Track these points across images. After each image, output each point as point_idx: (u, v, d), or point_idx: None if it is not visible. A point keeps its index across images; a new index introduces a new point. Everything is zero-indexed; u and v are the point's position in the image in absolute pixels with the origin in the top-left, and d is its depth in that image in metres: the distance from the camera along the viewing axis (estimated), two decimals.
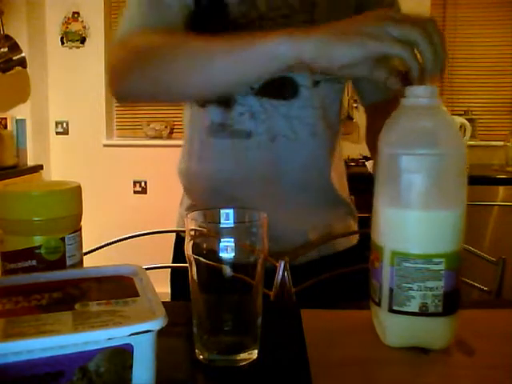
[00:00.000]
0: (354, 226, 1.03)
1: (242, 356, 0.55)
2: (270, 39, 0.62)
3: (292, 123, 0.89)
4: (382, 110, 0.87)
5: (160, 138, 3.32)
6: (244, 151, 0.90)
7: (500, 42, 3.12)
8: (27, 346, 0.38)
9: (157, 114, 3.36)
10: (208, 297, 0.55)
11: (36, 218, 0.57)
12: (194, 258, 0.54)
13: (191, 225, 0.54)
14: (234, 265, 0.53)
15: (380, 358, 0.56)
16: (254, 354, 0.55)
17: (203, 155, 0.94)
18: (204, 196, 0.96)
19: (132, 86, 0.76)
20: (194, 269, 0.54)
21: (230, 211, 0.58)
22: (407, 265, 0.55)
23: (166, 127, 3.32)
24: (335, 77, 0.90)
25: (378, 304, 0.58)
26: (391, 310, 0.57)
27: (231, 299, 0.55)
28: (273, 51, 0.62)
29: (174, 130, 3.37)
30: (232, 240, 0.52)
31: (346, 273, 0.94)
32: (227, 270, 0.53)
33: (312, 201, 0.95)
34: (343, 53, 0.59)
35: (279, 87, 0.87)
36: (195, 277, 0.55)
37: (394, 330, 0.58)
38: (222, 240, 0.52)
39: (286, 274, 0.88)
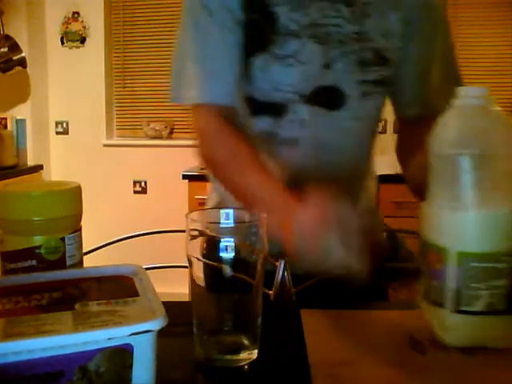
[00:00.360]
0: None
1: (242, 356, 0.55)
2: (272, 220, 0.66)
3: (338, 133, 0.89)
4: (418, 124, 0.90)
5: (160, 138, 3.32)
6: (290, 159, 0.89)
7: (500, 42, 3.11)
8: (27, 345, 0.38)
9: (157, 114, 3.36)
10: (208, 297, 0.55)
11: (36, 218, 0.57)
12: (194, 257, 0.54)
13: (191, 225, 0.55)
14: (234, 265, 0.53)
15: (380, 358, 0.56)
16: (254, 353, 0.56)
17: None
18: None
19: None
20: (194, 269, 0.54)
21: (230, 211, 0.58)
22: (474, 264, 0.55)
23: (165, 127, 3.32)
24: (384, 90, 0.90)
25: (441, 305, 0.58)
26: (457, 311, 0.57)
27: (231, 299, 0.55)
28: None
29: (174, 130, 3.37)
30: (232, 240, 0.52)
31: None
32: (227, 270, 0.53)
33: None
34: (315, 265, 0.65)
35: (328, 97, 0.87)
36: (195, 277, 0.55)
37: (460, 330, 0.58)
38: (221, 240, 0.52)
39: (285, 274, 0.88)
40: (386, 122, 2.89)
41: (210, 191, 1.04)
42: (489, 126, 0.57)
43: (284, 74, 0.85)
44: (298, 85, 0.86)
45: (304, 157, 0.89)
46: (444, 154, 0.57)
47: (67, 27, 3.31)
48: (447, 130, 0.58)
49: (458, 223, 0.57)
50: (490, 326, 0.57)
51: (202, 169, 2.79)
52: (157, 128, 3.31)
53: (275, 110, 0.88)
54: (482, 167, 0.55)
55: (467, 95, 0.57)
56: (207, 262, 0.54)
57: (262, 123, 0.89)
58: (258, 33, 0.85)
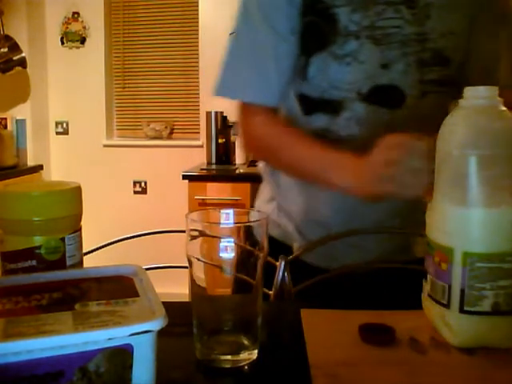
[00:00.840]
0: None
1: (242, 356, 0.55)
2: (335, 180, 0.81)
3: (395, 132, 0.89)
4: None
5: (160, 138, 3.32)
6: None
7: None
8: (27, 346, 0.38)
9: (157, 115, 3.36)
10: (208, 297, 0.55)
11: (36, 218, 0.57)
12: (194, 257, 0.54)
13: (191, 225, 0.54)
14: (233, 265, 0.53)
15: (380, 358, 0.56)
16: (254, 354, 0.56)
17: None
18: (289, 195, 0.99)
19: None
20: (194, 269, 0.54)
21: (230, 211, 0.58)
22: (480, 265, 0.55)
23: (166, 127, 3.32)
24: (447, 89, 0.90)
25: (446, 305, 0.58)
26: (462, 311, 0.57)
27: (231, 299, 0.55)
28: (335, 187, 0.82)
29: (174, 131, 3.37)
30: (232, 240, 0.52)
31: (346, 273, 0.94)
32: (227, 270, 0.53)
33: (403, 206, 0.94)
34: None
35: (386, 96, 0.88)
36: (195, 277, 0.55)
37: (465, 330, 0.58)
38: (222, 240, 0.52)
39: (285, 274, 0.88)
40: None
41: (263, 186, 1.09)
42: (497, 126, 0.57)
43: (342, 73, 0.87)
44: (356, 83, 0.87)
45: (360, 153, 0.89)
46: (452, 154, 0.57)
47: (67, 27, 3.31)
48: (455, 130, 0.58)
49: (465, 222, 0.57)
50: (495, 327, 0.57)
51: (200, 170, 2.80)
52: (157, 128, 3.31)
53: (331, 107, 0.89)
54: (489, 167, 0.55)
55: (475, 95, 0.57)
56: (207, 262, 0.54)
57: (317, 121, 0.91)
58: (318, 34, 0.87)
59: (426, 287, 0.63)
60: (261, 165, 1.09)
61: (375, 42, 0.86)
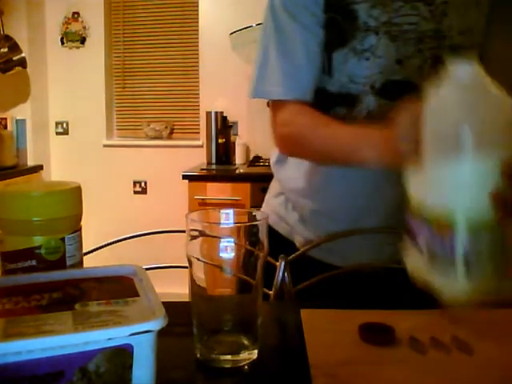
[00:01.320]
0: None
1: (242, 356, 0.55)
2: (364, 153, 0.77)
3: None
4: None
5: (160, 138, 3.32)
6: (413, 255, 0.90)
7: None
8: (27, 346, 0.38)
9: (157, 115, 3.36)
10: (208, 297, 0.55)
11: (36, 218, 0.57)
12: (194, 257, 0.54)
13: (191, 225, 0.54)
14: (234, 265, 0.53)
15: (380, 357, 0.56)
16: (254, 354, 0.56)
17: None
18: (298, 188, 1.00)
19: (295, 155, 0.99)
20: (194, 269, 0.54)
21: (230, 211, 0.58)
22: (483, 231, 0.55)
23: (166, 127, 3.32)
24: None
25: (449, 273, 0.58)
26: (462, 275, 0.56)
27: (231, 299, 0.55)
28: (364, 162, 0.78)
29: (174, 131, 3.37)
30: (232, 240, 0.52)
31: (346, 273, 0.94)
32: (227, 270, 0.53)
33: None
34: None
35: (399, 91, 0.88)
36: (195, 277, 0.55)
37: (469, 296, 0.57)
38: (221, 240, 0.52)
39: (285, 274, 0.88)
40: None
41: (273, 182, 1.10)
42: (483, 98, 0.57)
43: (361, 67, 0.88)
44: (371, 77, 0.89)
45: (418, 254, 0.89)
46: (443, 129, 0.57)
47: (67, 27, 3.31)
48: (442, 103, 0.58)
49: (462, 176, 0.56)
50: (498, 290, 0.56)
51: (202, 169, 2.79)
52: (157, 128, 3.31)
53: (349, 100, 0.91)
54: (481, 142, 0.55)
55: (459, 68, 0.57)
56: (207, 262, 0.54)
57: (337, 114, 0.92)
58: (339, 30, 0.89)
59: (421, 259, 0.62)
60: (271, 160, 1.09)
61: (391, 38, 0.87)
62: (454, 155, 0.56)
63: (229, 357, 0.55)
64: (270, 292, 0.87)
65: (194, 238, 0.55)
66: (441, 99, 0.59)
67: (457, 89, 0.58)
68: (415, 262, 0.62)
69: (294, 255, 0.91)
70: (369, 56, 0.88)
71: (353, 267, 0.94)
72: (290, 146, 0.93)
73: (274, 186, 1.10)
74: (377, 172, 0.88)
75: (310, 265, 0.95)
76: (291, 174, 1.02)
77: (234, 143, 3.04)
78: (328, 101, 0.93)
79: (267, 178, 1.16)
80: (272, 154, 1.09)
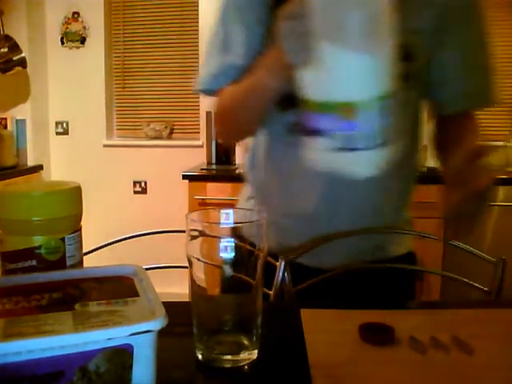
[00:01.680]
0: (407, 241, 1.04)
1: (242, 356, 0.55)
2: (264, 81, 0.82)
3: None
4: (456, 123, 1.01)
5: (160, 138, 3.31)
6: (314, 148, 0.89)
7: (500, 42, 3.12)
8: (27, 346, 0.38)
9: (157, 114, 3.36)
10: (208, 297, 0.55)
11: (36, 218, 0.57)
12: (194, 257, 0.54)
13: (191, 225, 0.54)
14: (234, 265, 0.53)
15: (380, 357, 0.56)
16: (254, 354, 0.56)
17: (274, 153, 0.96)
18: (269, 191, 0.99)
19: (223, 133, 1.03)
20: (194, 269, 0.54)
21: (230, 211, 0.58)
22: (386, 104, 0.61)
23: (165, 127, 3.32)
24: (410, 86, 0.92)
25: (358, 148, 0.64)
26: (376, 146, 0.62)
27: (231, 299, 0.55)
28: (269, 90, 0.83)
29: (174, 131, 3.37)
30: (232, 240, 0.52)
31: (346, 273, 0.94)
32: (227, 270, 0.53)
33: (378, 207, 0.95)
34: None
35: None
36: (195, 277, 0.55)
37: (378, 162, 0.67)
38: (221, 240, 0.52)
39: (285, 274, 0.88)
40: None
41: (244, 185, 1.11)
42: None
43: None
44: None
45: (327, 147, 0.89)
46: (333, 17, 0.59)
47: (67, 27, 3.31)
48: None
49: (358, 62, 0.60)
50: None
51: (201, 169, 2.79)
52: (157, 128, 3.31)
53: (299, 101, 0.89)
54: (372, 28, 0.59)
55: None
56: (207, 262, 0.54)
57: (290, 116, 0.91)
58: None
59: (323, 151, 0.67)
60: (244, 163, 1.10)
61: None
62: (348, 43, 0.57)
63: (229, 357, 0.55)
64: (270, 292, 0.87)
65: (193, 237, 0.55)
66: None
67: None
68: (319, 154, 0.69)
69: (293, 255, 0.91)
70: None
71: (347, 268, 0.95)
72: (219, 123, 0.96)
73: (245, 190, 1.10)
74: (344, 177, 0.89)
75: (299, 271, 0.93)
76: (261, 177, 1.02)
77: (234, 143, 3.04)
78: (282, 103, 0.91)
79: None
80: (245, 158, 1.09)
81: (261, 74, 0.82)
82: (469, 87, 1.01)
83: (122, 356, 0.41)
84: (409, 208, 1.04)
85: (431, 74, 0.97)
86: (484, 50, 1.01)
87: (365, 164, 0.67)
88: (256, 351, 0.56)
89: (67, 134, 3.40)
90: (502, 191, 2.64)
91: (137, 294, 0.48)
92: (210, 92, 0.96)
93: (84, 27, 3.30)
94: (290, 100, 0.90)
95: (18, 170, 3.03)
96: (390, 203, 0.98)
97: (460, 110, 1.03)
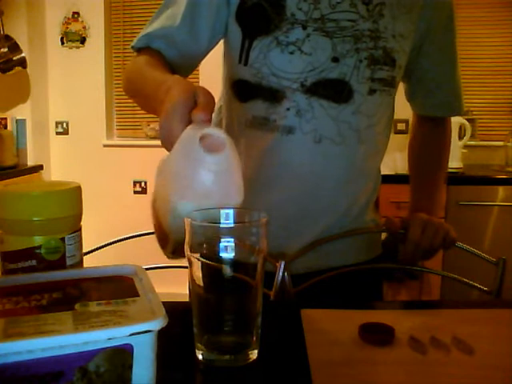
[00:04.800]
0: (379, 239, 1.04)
1: (242, 356, 0.55)
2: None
3: (340, 127, 0.88)
4: (428, 124, 1.10)
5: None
6: (285, 147, 0.89)
7: (500, 42, 3.12)
8: (27, 346, 0.38)
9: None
10: (208, 297, 0.55)
11: (36, 218, 0.57)
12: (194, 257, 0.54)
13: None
14: (234, 265, 0.53)
15: (380, 357, 0.56)
16: (254, 353, 0.55)
17: (241, 146, 0.93)
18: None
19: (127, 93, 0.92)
20: (194, 269, 0.54)
21: (230, 211, 0.58)
22: None
23: None
24: (391, 90, 0.93)
25: None
26: None
27: (231, 299, 0.55)
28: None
29: None
30: (232, 240, 0.52)
31: (346, 273, 0.94)
32: (227, 270, 0.53)
33: (345, 208, 0.95)
34: None
35: (333, 90, 0.87)
36: (195, 277, 0.55)
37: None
38: (222, 240, 0.52)
39: (285, 274, 0.87)
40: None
41: None
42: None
43: (283, 61, 0.86)
44: (298, 74, 0.86)
45: (302, 146, 0.89)
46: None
47: (67, 27, 3.31)
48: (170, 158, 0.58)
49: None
50: None
51: None
52: (157, 128, 3.31)
53: (270, 94, 0.88)
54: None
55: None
56: (207, 262, 0.54)
57: (256, 108, 0.89)
58: (263, 17, 0.86)
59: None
60: None
61: (327, 35, 0.85)
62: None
63: (229, 357, 0.55)
64: (270, 292, 0.87)
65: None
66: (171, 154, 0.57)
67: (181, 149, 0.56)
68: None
69: (293, 255, 0.91)
70: (293, 50, 0.85)
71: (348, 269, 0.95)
72: (124, 85, 0.91)
73: None
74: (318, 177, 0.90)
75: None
76: None
77: None
78: (246, 93, 0.90)
79: None
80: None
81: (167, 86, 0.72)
82: (441, 96, 1.05)
83: (121, 356, 0.41)
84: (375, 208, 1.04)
85: (407, 77, 1.00)
86: (457, 60, 1.04)
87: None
88: (256, 351, 0.56)
89: (67, 134, 3.40)
90: (502, 191, 2.64)
91: (137, 294, 0.48)
92: (137, 49, 0.91)
93: (84, 27, 3.30)
94: (254, 90, 0.89)
95: (18, 169, 3.03)
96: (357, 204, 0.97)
97: (432, 115, 1.09)
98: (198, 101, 0.58)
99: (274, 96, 0.88)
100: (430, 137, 1.10)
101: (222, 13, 0.88)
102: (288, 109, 0.87)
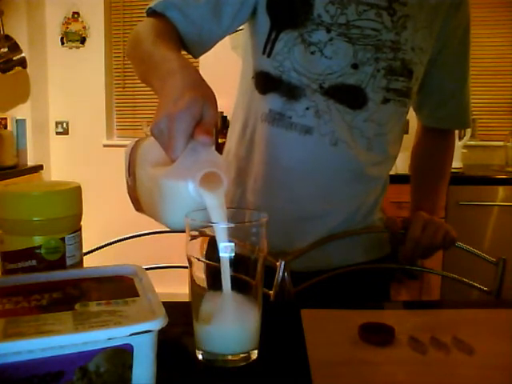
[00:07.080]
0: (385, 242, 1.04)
1: (242, 356, 0.55)
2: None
3: (353, 132, 0.89)
4: (431, 135, 1.10)
5: None
6: (302, 147, 0.89)
7: (500, 42, 3.11)
8: (27, 346, 0.38)
9: None
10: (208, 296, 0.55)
11: (36, 218, 0.57)
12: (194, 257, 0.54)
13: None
14: (234, 265, 0.53)
15: (380, 357, 0.56)
16: (254, 354, 0.56)
17: (256, 140, 0.93)
18: (248, 178, 0.96)
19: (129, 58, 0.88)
20: (194, 269, 0.54)
21: (230, 211, 0.58)
22: None
23: None
24: (405, 100, 0.93)
25: None
26: None
27: (231, 299, 0.55)
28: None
29: None
30: (232, 240, 0.52)
31: (346, 273, 0.94)
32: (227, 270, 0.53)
33: (354, 208, 0.96)
34: None
35: (349, 95, 0.88)
36: (195, 277, 0.55)
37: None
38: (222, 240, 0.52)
39: (285, 274, 0.87)
40: None
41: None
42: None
43: (305, 58, 0.87)
44: (317, 75, 0.87)
45: (319, 147, 0.89)
46: None
47: (67, 27, 3.31)
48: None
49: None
50: None
51: None
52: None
53: (288, 90, 0.88)
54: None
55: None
56: (207, 262, 0.54)
57: (273, 102, 0.90)
58: (292, 12, 0.87)
59: None
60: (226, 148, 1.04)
61: (350, 41, 0.86)
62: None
63: (229, 357, 0.55)
64: (270, 292, 0.87)
65: (193, 237, 0.55)
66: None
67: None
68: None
69: (293, 256, 0.91)
70: (314, 50, 0.86)
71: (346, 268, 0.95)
72: (128, 46, 0.86)
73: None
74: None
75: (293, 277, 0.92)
76: (243, 154, 0.98)
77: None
78: (266, 85, 0.90)
79: None
80: (227, 142, 1.06)
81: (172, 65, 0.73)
82: (450, 109, 1.06)
83: (121, 356, 0.41)
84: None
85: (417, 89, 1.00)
86: (468, 73, 1.04)
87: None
88: (256, 351, 0.56)
89: (67, 134, 3.40)
90: (502, 191, 2.64)
91: (137, 294, 0.48)
92: (152, 12, 0.85)
93: (84, 27, 3.30)
94: (274, 83, 0.89)
95: (18, 169, 3.03)
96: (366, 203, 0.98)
97: (438, 127, 1.09)
98: (204, 114, 0.58)
99: (292, 92, 0.88)
100: (434, 147, 1.10)
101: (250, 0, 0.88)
102: (307, 108, 0.88)
